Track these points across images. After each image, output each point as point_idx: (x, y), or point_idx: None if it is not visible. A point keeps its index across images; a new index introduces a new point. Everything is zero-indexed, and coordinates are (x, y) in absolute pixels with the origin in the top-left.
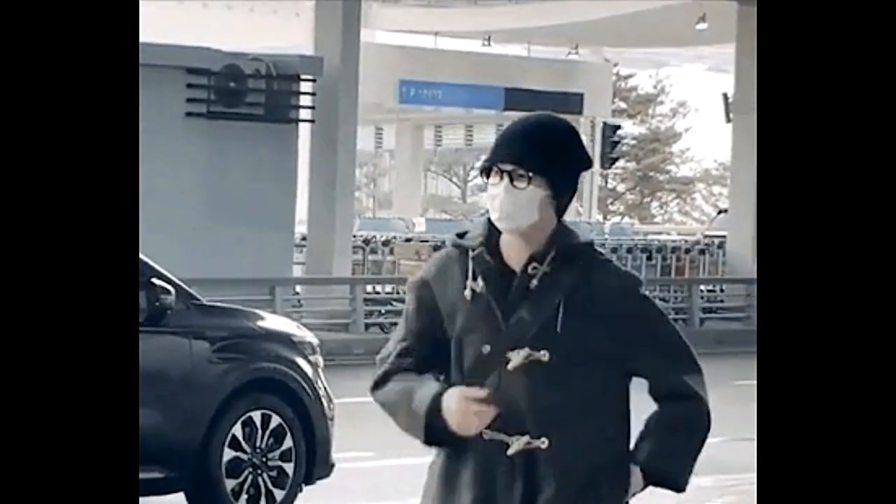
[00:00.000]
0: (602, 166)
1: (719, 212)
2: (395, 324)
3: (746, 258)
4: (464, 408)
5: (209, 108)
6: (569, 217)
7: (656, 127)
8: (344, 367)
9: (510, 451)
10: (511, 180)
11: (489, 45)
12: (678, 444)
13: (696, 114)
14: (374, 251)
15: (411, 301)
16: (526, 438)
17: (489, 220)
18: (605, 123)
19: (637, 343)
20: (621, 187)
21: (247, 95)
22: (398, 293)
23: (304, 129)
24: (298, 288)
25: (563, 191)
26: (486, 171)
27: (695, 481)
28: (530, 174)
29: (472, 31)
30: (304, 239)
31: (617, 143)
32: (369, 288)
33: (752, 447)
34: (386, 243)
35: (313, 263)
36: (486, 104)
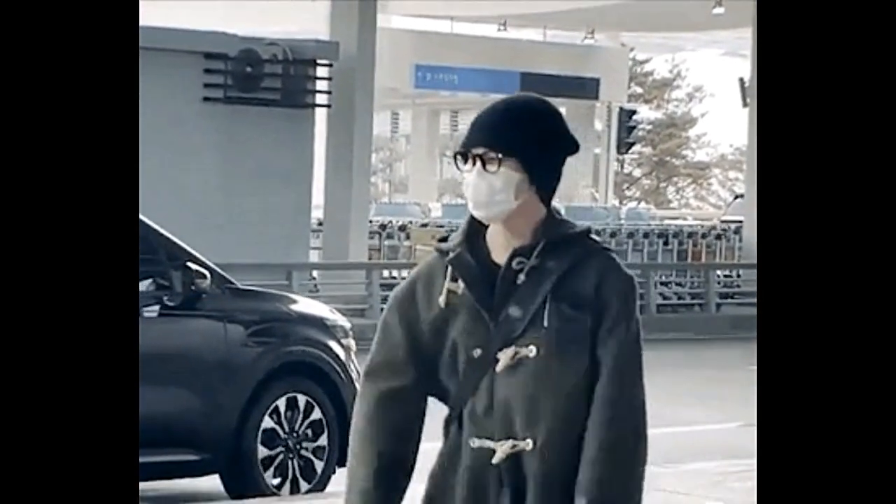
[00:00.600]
0: (618, 151)
1: (735, 197)
2: None
3: None
4: None
5: (226, 93)
6: (585, 202)
7: (672, 112)
8: (360, 351)
9: (495, 460)
10: (483, 164)
11: (505, 29)
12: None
13: (712, 98)
14: (390, 236)
15: (394, 318)
16: (510, 443)
17: (471, 218)
18: (621, 108)
19: (606, 344)
20: (637, 172)
21: (263, 80)
22: None
23: (321, 114)
24: (315, 273)
25: (542, 175)
26: (461, 160)
27: (711, 466)
28: (499, 156)
29: (488, 16)
30: (320, 224)
31: (633, 127)
32: (385, 273)
33: None
34: (402, 228)
35: (330, 248)
36: (502, 89)
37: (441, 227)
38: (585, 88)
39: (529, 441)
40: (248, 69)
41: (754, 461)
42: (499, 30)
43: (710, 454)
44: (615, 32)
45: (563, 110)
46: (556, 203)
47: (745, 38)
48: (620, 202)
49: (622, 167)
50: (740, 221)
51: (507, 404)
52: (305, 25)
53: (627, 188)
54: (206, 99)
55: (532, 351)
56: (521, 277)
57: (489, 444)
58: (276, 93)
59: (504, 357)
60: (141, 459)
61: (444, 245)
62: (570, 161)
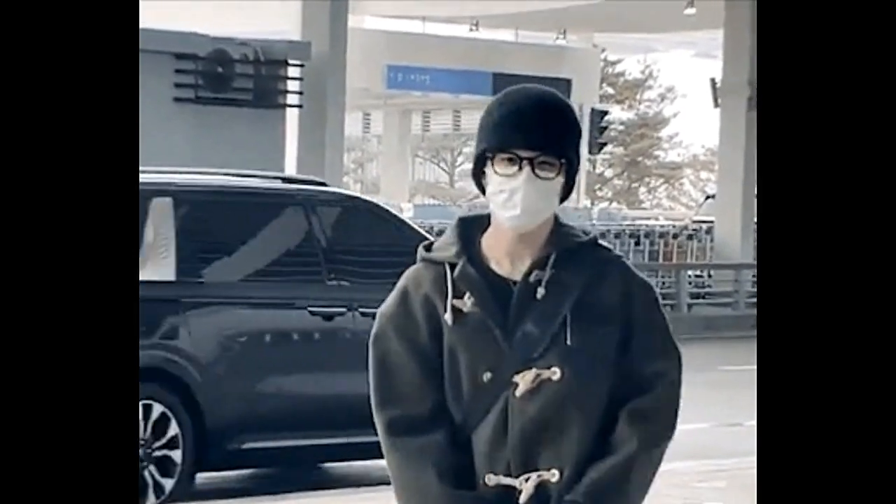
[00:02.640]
0: (590, 152)
1: (707, 197)
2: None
3: (734, 243)
4: None
5: (197, 93)
6: (565, 204)
7: (644, 112)
8: None
9: (522, 500)
10: (533, 169)
11: (477, 30)
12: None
13: (683, 99)
14: None
15: (393, 342)
16: (535, 476)
17: (460, 224)
18: (592, 109)
19: (634, 347)
20: (609, 173)
21: (234, 80)
22: None
23: (292, 115)
24: None
25: (574, 177)
26: (486, 159)
27: (681, 466)
28: (561, 161)
29: (459, 17)
30: None
31: (605, 128)
32: None
33: (738, 433)
34: None
35: None
36: (474, 89)
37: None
38: (557, 89)
39: (555, 472)
40: (219, 69)
41: (725, 462)
42: (471, 30)
43: (680, 455)
44: (587, 33)
45: None
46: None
47: (716, 38)
48: (592, 203)
49: (594, 168)
50: (712, 222)
51: (526, 433)
52: (277, 26)
53: (599, 188)
54: (177, 99)
55: (556, 373)
56: (541, 291)
57: (507, 480)
58: (248, 93)
59: (524, 381)
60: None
61: (434, 255)
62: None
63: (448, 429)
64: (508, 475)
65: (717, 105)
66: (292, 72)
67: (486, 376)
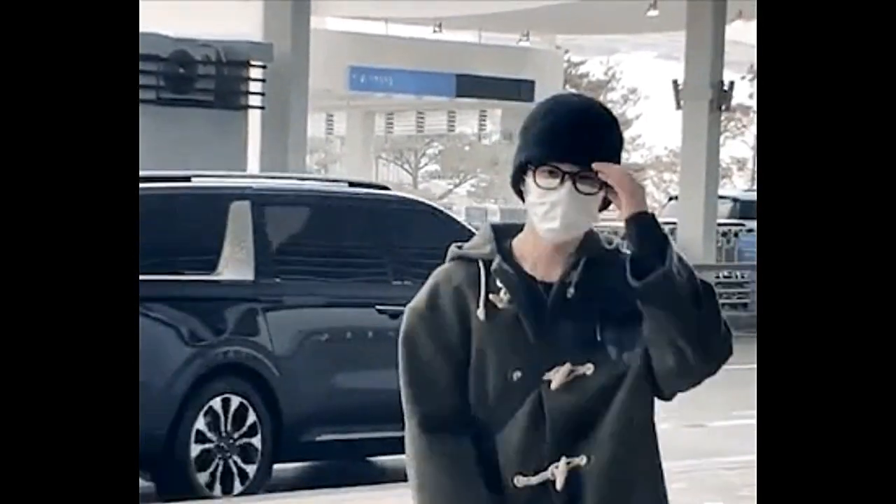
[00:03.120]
0: None
1: (670, 199)
2: None
3: (697, 244)
4: None
5: (158, 94)
6: (518, 203)
7: (613, 114)
8: None
9: (559, 486)
10: (575, 183)
11: (440, 31)
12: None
13: (646, 101)
14: None
15: (424, 338)
16: (564, 461)
17: (492, 228)
18: None
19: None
20: None
21: (196, 82)
22: None
23: (255, 116)
24: None
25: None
26: (526, 169)
27: None
28: (600, 178)
29: (422, 18)
30: None
31: None
32: None
33: (700, 434)
34: None
35: None
36: (438, 91)
37: None
38: (521, 90)
39: (584, 456)
40: (181, 70)
41: (687, 463)
42: (434, 32)
43: None
44: (550, 35)
45: (498, 112)
46: (491, 205)
47: (679, 40)
48: None
49: None
50: (675, 223)
51: (564, 425)
52: (239, 27)
53: None
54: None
55: (590, 368)
56: (571, 291)
57: (536, 479)
58: (209, 94)
59: (558, 376)
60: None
61: (469, 252)
62: (508, 162)
63: (476, 429)
64: (538, 473)
65: (679, 107)
66: (254, 73)
67: (516, 375)
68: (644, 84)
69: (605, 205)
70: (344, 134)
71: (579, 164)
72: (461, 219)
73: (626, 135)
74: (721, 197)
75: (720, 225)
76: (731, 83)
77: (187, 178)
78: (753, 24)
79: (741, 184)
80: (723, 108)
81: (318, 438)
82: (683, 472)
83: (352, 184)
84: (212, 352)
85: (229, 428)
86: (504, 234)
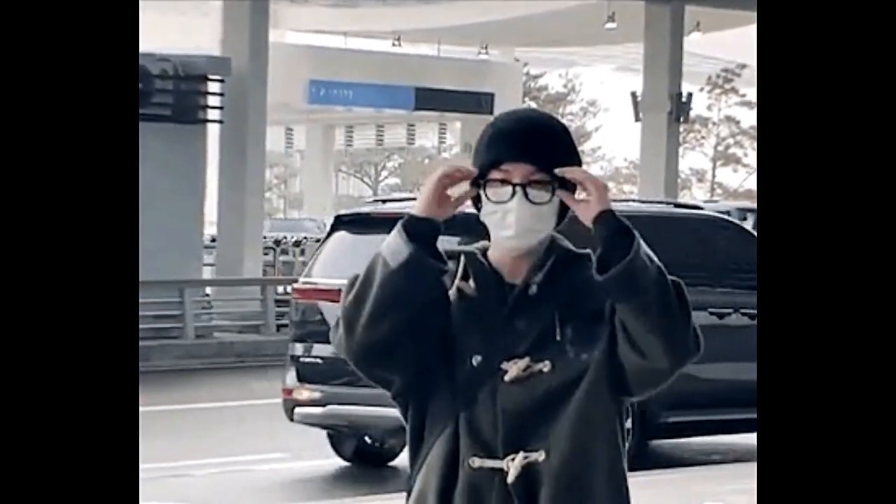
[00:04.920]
0: None
1: None
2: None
3: None
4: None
5: None
6: None
7: (567, 126)
8: (255, 368)
9: (510, 479)
10: (525, 191)
11: (399, 45)
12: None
13: (605, 113)
14: (284, 252)
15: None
16: (521, 456)
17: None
18: None
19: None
20: None
21: (154, 96)
22: None
23: (213, 130)
24: (208, 290)
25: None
26: (479, 185)
27: None
28: (555, 183)
29: (381, 31)
30: (213, 240)
31: None
32: (280, 289)
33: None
34: (297, 244)
35: (223, 265)
36: (397, 104)
37: None
38: (480, 103)
39: (542, 452)
40: (139, 85)
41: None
42: (393, 45)
43: None
44: (509, 48)
45: (458, 125)
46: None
47: (637, 52)
48: None
49: None
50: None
51: (517, 418)
52: (197, 41)
53: None
54: None
55: (547, 366)
56: (533, 289)
57: (491, 462)
58: (167, 108)
59: (514, 369)
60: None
61: (453, 249)
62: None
63: (445, 403)
64: (493, 458)
65: (638, 119)
66: (212, 87)
67: (476, 359)
68: (603, 96)
69: (562, 214)
70: (303, 147)
71: (529, 165)
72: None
73: (586, 146)
74: None
75: None
76: (690, 95)
77: None
78: (711, 37)
79: (700, 195)
80: (681, 119)
81: (672, 420)
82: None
83: (677, 205)
84: None
85: None
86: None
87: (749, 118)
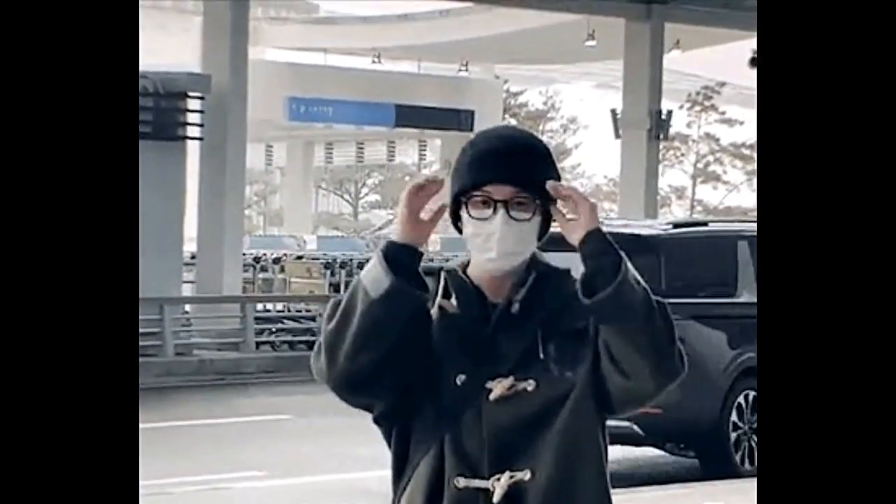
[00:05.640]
0: None
1: None
2: (287, 342)
3: None
4: (411, 191)
5: None
6: (459, 234)
7: (547, 143)
8: (235, 385)
9: (496, 499)
10: (508, 211)
11: (379, 62)
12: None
13: (585, 130)
14: (264, 269)
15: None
16: (507, 476)
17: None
18: None
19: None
20: None
21: None
22: (289, 311)
23: (193, 147)
24: (188, 307)
25: (551, 217)
26: (461, 202)
27: None
28: (537, 201)
29: (361, 48)
30: (193, 257)
31: None
32: (260, 306)
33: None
34: (277, 261)
35: (203, 282)
36: (377, 121)
37: (316, 259)
38: (460, 120)
39: (528, 471)
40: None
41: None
42: (373, 62)
43: None
44: (489, 65)
45: (438, 142)
46: (433, 235)
47: (617, 70)
48: None
49: None
50: None
51: (502, 437)
52: (177, 58)
53: None
54: None
55: (531, 384)
56: (516, 307)
57: (477, 482)
58: (147, 125)
59: (499, 388)
60: None
61: (431, 266)
62: (448, 192)
63: (428, 422)
64: (478, 478)
65: (618, 136)
66: (192, 104)
67: (461, 378)
68: (583, 113)
69: (543, 231)
70: (283, 164)
71: (511, 186)
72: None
73: (566, 163)
74: None
75: None
76: (669, 112)
77: (705, 224)
78: (691, 54)
79: (680, 212)
80: (661, 136)
81: None
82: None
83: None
84: (740, 358)
85: (750, 416)
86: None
87: (729, 135)
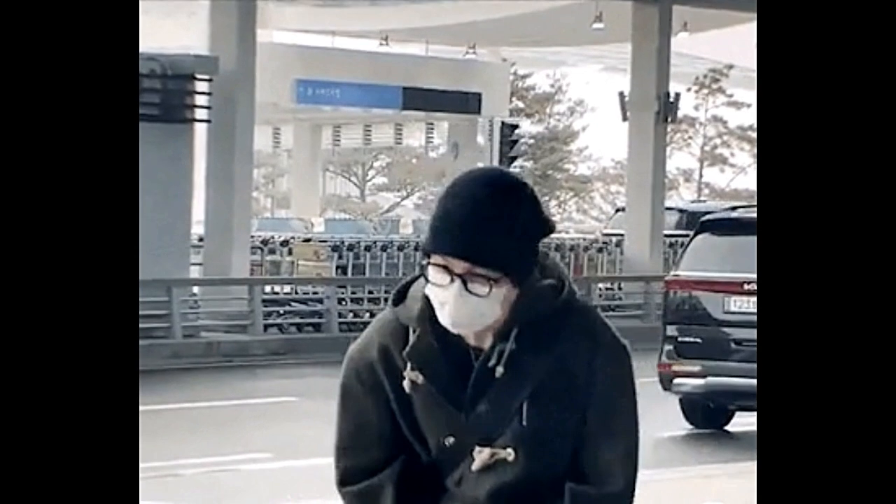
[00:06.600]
0: (501, 165)
1: (617, 210)
2: (295, 325)
3: (643, 256)
4: None
5: None
6: None
7: (554, 126)
8: (242, 367)
9: None
10: (465, 284)
11: (387, 44)
12: None
13: (592, 113)
14: (272, 251)
15: (357, 392)
16: None
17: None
18: (503, 123)
19: (591, 426)
20: None
21: (142, 95)
22: (297, 293)
23: (201, 129)
24: (196, 289)
25: (525, 271)
26: (433, 267)
27: None
28: (494, 276)
29: (369, 31)
30: (201, 240)
31: (515, 142)
32: (268, 288)
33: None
34: (284, 243)
35: (211, 264)
36: (385, 104)
37: (324, 241)
38: (468, 103)
39: None
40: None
41: None
42: (380, 45)
43: None
44: (496, 47)
45: (445, 125)
46: (426, 217)
47: (624, 52)
48: None
49: None
50: (622, 234)
51: (480, 500)
52: (184, 40)
53: None
54: None
55: (510, 454)
56: (500, 370)
57: None
58: (155, 108)
59: (480, 458)
60: None
61: (399, 311)
62: (455, 174)
63: (414, 482)
64: None
65: (625, 118)
66: (200, 86)
67: (449, 441)
68: (590, 96)
69: (522, 279)
70: (291, 147)
71: (467, 262)
72: (409, 231)
73: (573, 146)
74: (668, 208)
75: (667, 236)
76: (677, 95)
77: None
78: (698, 37)
79: (687, 195)
80: (668, 119)
81: None
82: None
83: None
84: None
85: None
86: None
87: (736, 118)
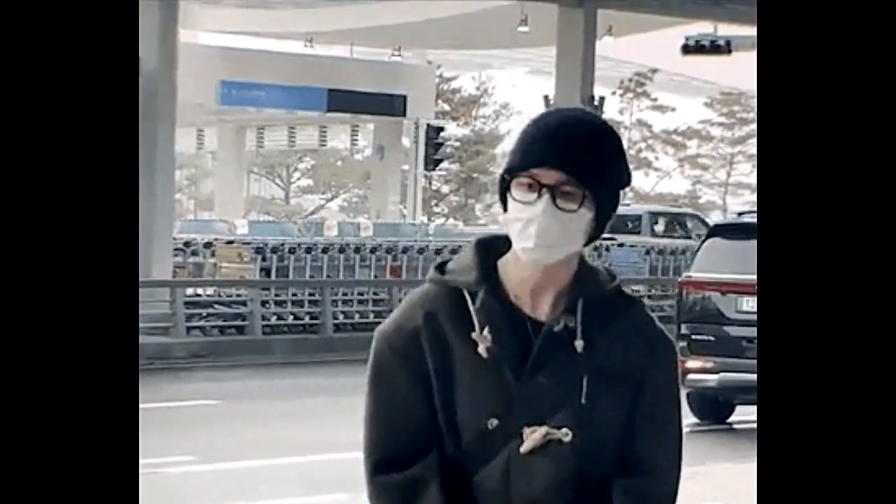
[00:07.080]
0: (426, 168)
1: None
2: (217, 327)
3: None
4: None
5: None
6: (391, 218)
7: (480, 129)
8: (164, 370)
9: None
10: (554, 198)
11: (311, 46)
12: None
13: (518, 116)
14: (195, 253)
15: (394, 368)
16: None
17: (478, 247)
18: (428, 125)
19: (643, 412)
20: (445, 189)
21: None
22: (220, 296)
23: None
24: None
25: (606, 215)
26: (506, 184)
27: None
28: (585, 192)
29: (294, 32)
30: None
31: (441, 144)
32: (190, 291)
33: None
34: (208, 245)
35: None
36: (309, 106)
37: (248, 243)
38: (393, 105)
39: None
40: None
41: None
42: (305, 46)
43: None
44: (421, 50)
45: (370, 127)
46: (364, 220)
47: (549, 55)
48: (429, 218)
49: (430, 184)
50: None
51: (529, 493)
52: None
53: (435, 204)
54: None
55: (567, 435)
56: (580, 343)
57: None
58: None
59: (531, 438)
60: None
61: (450, 278)
62: (380, 177)
63: (449, 470)
64: None
65: None
66: None
67: (492, 423)
68: (516, 99)
69: (595, 232)
70: (215, 149)
71: (559, 171)
72: (334, 234)
73: (498, 150)
74: None
75: None
76: (602, 98)
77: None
78: (623, 41)
79: None
80: None
81: None
82: None
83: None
84: None
85: None
86: (492, 252)
87: (661, 122)
